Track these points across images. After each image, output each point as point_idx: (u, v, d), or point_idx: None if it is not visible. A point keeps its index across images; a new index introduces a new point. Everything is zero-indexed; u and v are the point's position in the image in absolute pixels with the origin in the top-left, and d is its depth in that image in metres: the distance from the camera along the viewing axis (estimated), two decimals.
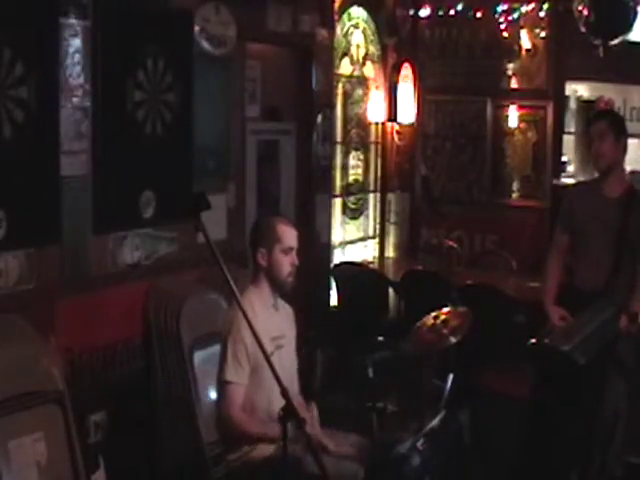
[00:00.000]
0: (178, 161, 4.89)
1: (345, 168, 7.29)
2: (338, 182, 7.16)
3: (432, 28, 8.03)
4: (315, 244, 6.45)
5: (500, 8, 7.51)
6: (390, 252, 7.92)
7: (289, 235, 3.55)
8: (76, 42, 4.13)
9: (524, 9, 7.48)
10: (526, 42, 7.69)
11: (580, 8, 5.89)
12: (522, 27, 7.64)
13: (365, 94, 7.45)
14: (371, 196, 7.76)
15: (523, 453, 4.54)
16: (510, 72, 7.84)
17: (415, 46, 7.94)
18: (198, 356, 4.38)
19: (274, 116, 6.28)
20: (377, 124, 7.64)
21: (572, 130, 8.35)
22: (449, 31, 8.01)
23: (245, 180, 5.84)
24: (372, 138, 7.68)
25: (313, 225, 6.47)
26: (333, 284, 6.66)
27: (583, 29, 5.95)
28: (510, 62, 7.81)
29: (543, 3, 7.42)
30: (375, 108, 7.48)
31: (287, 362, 3.59)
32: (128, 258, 4.54)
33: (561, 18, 7.17)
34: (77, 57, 4.14)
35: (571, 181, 7.67)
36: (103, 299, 4.34)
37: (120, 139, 4.44)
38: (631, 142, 4.61)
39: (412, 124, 7.87)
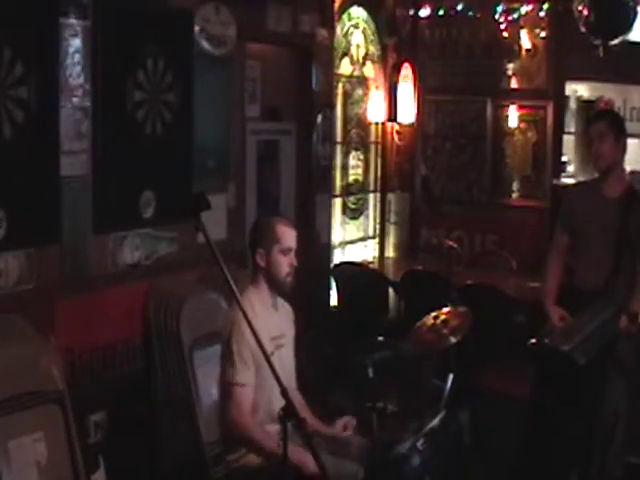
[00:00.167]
0: (178, 161, 4.89)
1: (345, 168, 7.29)
2: (338, 182, 7.16)
3: (432, 28, 8.03)
4: (315, 244, 6.45)
5: (500, 8, 7.51)
6: (390, 252, 7.92)
7: (288, 236, 3.54)
8: (76, 42, 4.13)
9: (524, 9, 7.48)
10: (526, 42, 7.69)
11: (580, 8, 5.89)
12: (522, 27, 7.63)
13: (365, 94, 7.45)
14: (371, 196, 7.76)
15: (523, 453, 4.54)
16: (510, 72, 7.83)
17: (415, 46, 7.94)
18: (198, 356, 4.38)
19: (274, 116, 6.28)
20: (377, 124, 7.64)
21: (572, 130, 8.32)
22: (449, 31, 8.01)
23: (245, 180, 5.84)
24: (372, 138, 7.68)
25: (313, 225, 6.47)
26: (333, 284, 6.66)
27: (583, 29, 5.95)
28: (510, 62, 7.81)
29: (543, 3, 7.42)
30: (375, 108, 7.48)
31: (287, 362, 3.59)
32: (128, 258, 4.54)
33: (561, 18, 7.16)
34: (77, 57, 4.14)
35: (571, 181, 7.65)
36: (103, 299, 4.34)
37: (120, 139, 4.44)
38: (631, 142, 4.61)
39: (412, 124, 7.87)
